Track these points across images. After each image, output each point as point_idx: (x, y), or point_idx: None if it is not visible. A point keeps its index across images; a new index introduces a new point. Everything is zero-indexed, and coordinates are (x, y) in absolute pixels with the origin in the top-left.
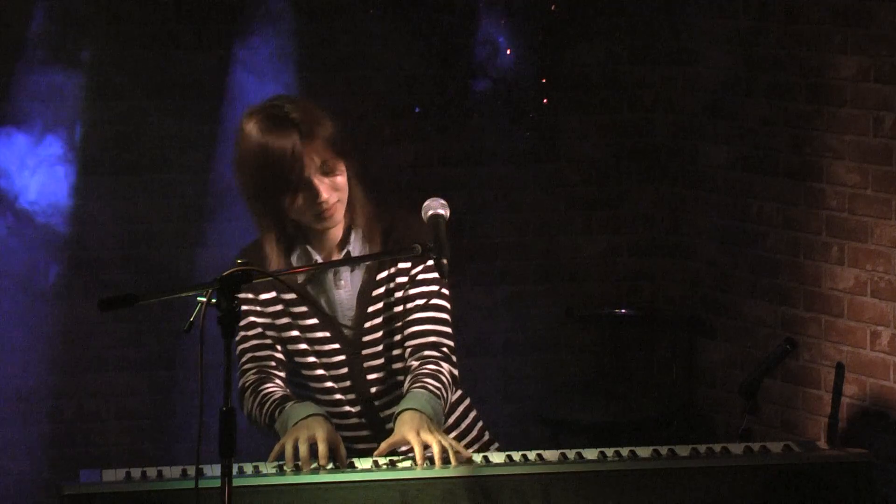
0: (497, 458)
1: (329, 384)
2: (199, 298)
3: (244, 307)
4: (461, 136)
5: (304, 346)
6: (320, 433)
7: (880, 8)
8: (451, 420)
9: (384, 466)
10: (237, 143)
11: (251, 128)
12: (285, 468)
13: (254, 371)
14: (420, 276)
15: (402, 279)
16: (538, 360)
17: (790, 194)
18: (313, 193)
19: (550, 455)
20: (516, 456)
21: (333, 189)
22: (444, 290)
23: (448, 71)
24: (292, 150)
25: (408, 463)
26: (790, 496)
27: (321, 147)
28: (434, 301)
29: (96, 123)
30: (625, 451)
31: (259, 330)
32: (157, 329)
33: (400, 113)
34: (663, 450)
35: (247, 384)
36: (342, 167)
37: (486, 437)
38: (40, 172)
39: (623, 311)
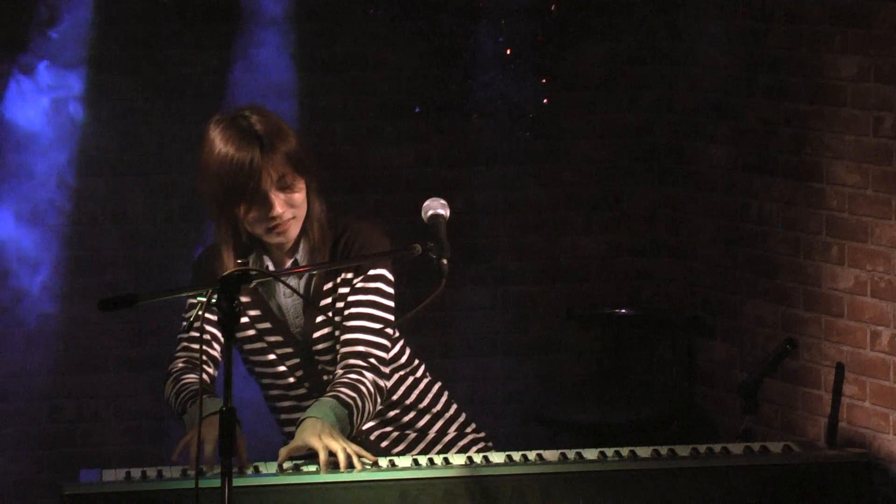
0: (497, 458)
1: (289, 380)
2: (198, 299)
3: (191, 301)
4: (461, 136)
5: (261, 344)
6: (210, 435)
7: (880, 8)
8: (424, 402)
9: (384, 466)
10: (202, 148)
11: (215, 135)
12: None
13: (183, 360)
14: (359, 284)
15: (344, 290)
16: (538, 360)
17: (790, 194)
18: (267, 207)
19: (550, 455)
20: (516, 456)
21: (289, 205)
22: (384, 301)
23: (448, 71)
24: (251, 161)
25: (408, 462)
26: (790, 496)
27: (281, 161)
28: (369, 310)
29: (96, 123)
30: (625, 451)
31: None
32: (157, 329)
33: (400, 113)
34: (663, 450)
35: (172, 371)
36: (301, 184)
37: (463, 417)
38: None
39: (623, 311)
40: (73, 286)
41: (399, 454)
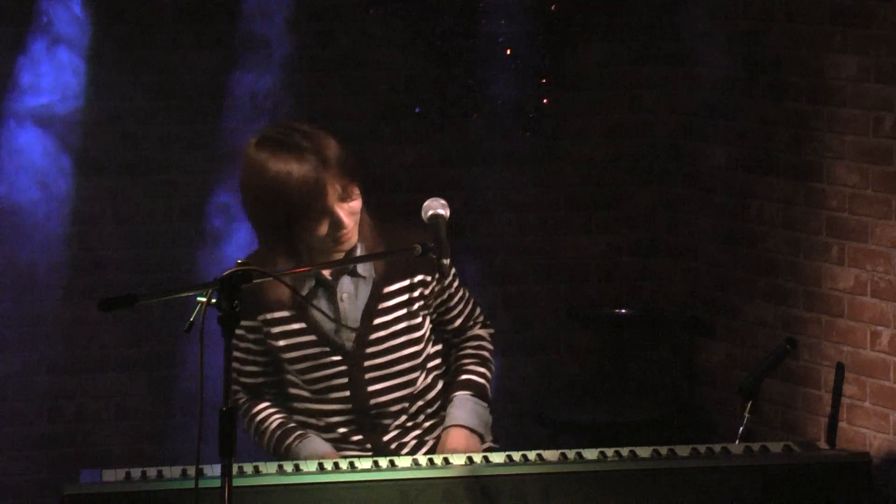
0: (497, 458)
1: (329, 395)
2: (199, 298)
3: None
4: (461, 136)
5: (304, 364)
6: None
7: (880, 8)
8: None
9: (384, 466)
10: (246, 172)
11: (264, 157)
12: None
13: (243, 392)
14: (445, 281)
15: (421, 290)
16: (538, 360)
17: (790, 194)
18: (336, 222)
19: (550, 455)
20: (516, 456)
21: (352, 214)
22: (451, 270)
23: (448, 71)
24: (315, 179)
25: (408, 462)
26: (790, 496)
27: (338, 173)
28: (461, 292)
29: (97, 124)
30: (625, 451)
31: (248, 356)
32: (157, 329)
33: (400, 113)
34: (663, 450)
35: (239, 404)
36: (357, 191)
37: None
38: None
39: (623, 311)
40: (73, 286)
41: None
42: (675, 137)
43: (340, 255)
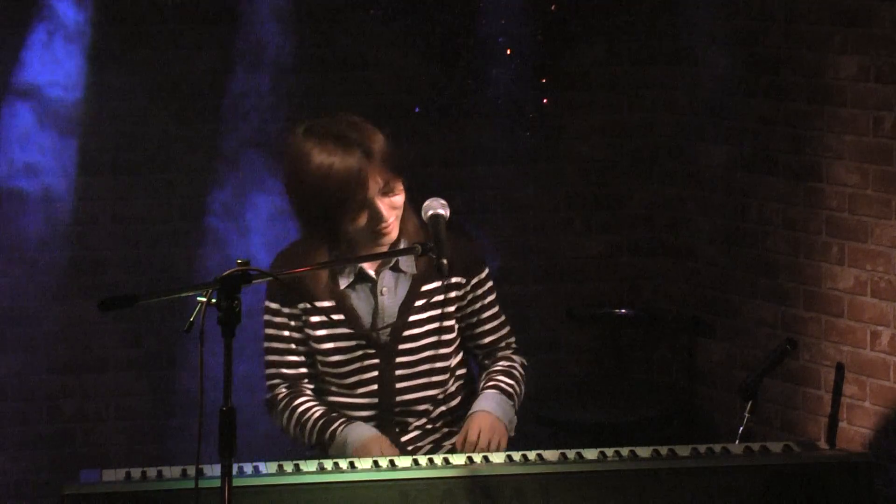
0: (497, 458)
1: (358, 389)
2: (199, 298)
3: (276, 319)
4: (461, 136)
5: (337, 357)
6: (387, 450)
7: (880, 8)
8: (454, 402)
9: (384, 466)
10: (292, 161)
11: (310, 146)
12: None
13: (284, 385)
14: (479, 290)
15: (455, 293)
16: (538, 360)
17: (790, 194)
18: (376, 215)
19: (550, 455)
20: (516, 456)
21: (393, 208)
22: (495, 294)
23: (448, 71)
24: (358, 171)
25: (408, 462)
26: (790, 496)
27: (382, 167)
28: (495, 308)
29: (96, 123)
30: (625, 451)
31: (290, 345)
32: (157, 329)
33: (400, 113)
34: (663, 450)
35: (279, 398)
36: (400, 186)
37: None
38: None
39: (623, 311)
40: (72, 286)
41: None
42: (675, 137)
43: (383, 249)
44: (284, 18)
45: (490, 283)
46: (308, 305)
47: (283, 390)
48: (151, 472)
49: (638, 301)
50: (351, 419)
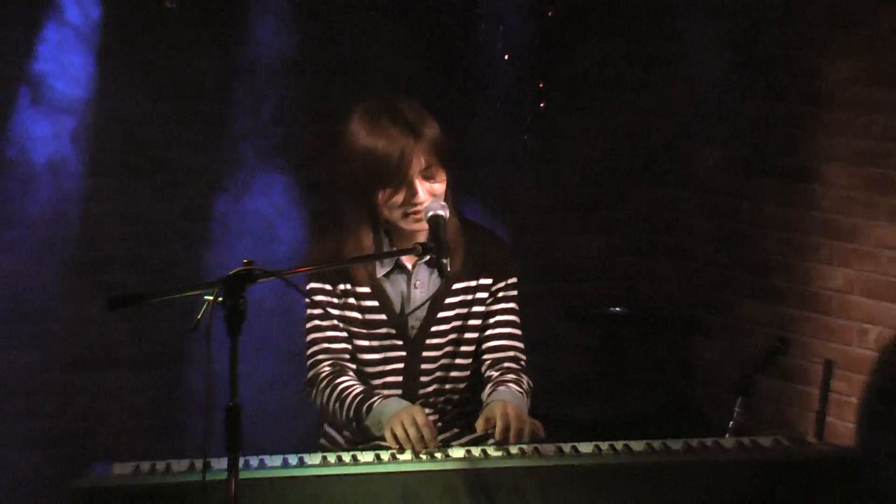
0: (495, 452)
1: (383, 379)
2: (206, 297)
3: (320, 297)
4: (461, 136)
5: (366, 342)
6: (420, 418)
7: (875, 11)
8: (470, 405)
9: (386, 459)
10: (344, 134)
11: (363, 121)
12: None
13: (328, 363)
14: (501, 293)
15: (482, 294)
16: (536, 358)
17: (784, 196)
18: (412, 193)
19: (547, 449)
20: (514, 450)
21: (430, 193)
22: (519, 308)
23: (448, 72)
24: (402, 146)
25: (409, 455)
26: (780, 490)
27: (428, 150)
28: (513, 318)
29: (101, 125)
30: (619, 445)
31: (333, 322)
32: (164, 327)
33: None
34: (657, 444)
35: (322, 376)
36: (443, 176)
37: None
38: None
39: (620, 310)
40: (79, 285)
41: None
42: (672, 139)
43: (421, 238)
44: (286, 20)
45: (515, 293)
46: (348, 286)
47: (327, 368)
48: (160, 465)
49: (635, 300)
50: (389, 397)
